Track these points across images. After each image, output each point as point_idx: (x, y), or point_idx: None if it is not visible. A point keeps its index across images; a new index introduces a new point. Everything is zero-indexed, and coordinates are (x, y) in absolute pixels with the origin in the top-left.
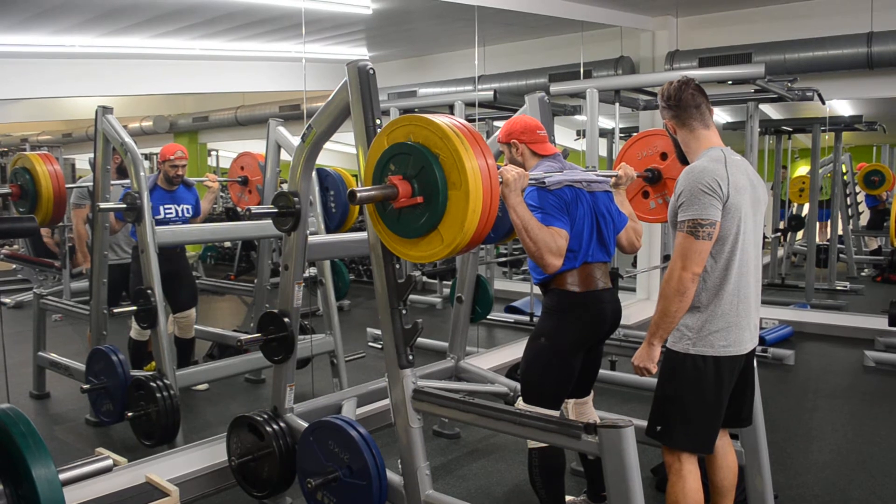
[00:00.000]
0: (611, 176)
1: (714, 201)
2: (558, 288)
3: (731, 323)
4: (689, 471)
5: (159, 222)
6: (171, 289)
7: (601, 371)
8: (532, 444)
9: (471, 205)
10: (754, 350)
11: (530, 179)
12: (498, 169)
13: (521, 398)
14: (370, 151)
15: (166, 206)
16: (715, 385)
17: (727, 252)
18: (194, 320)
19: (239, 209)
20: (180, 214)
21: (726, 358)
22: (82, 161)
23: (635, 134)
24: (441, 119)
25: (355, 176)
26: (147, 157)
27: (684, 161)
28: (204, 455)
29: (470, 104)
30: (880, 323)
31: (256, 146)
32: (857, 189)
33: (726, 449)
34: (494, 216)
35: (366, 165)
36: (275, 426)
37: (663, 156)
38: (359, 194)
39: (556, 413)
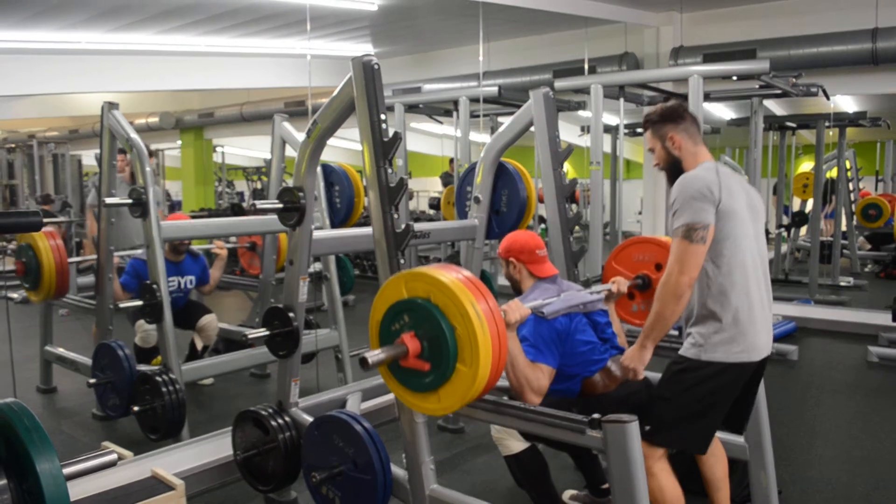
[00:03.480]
0: (604, 290)
1: (706, 205)
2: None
3: (744, 329)
4: (659, 468)
5: None
6: (184, 318)
7: None
8: (505, 452)
9: (476, 384)
10: (768, 358)
11: (529, 307)
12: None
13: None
14: (385, 287)
15: (169, 279)
16: (718, 391)
17: (727, 256)
18: (217, 325)
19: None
20: (182, 287)
21: (736, 364)
22: (89, 157)
23: (633, 237)
24: (466, 295)
25: (360, 171)
26: (152, 153)
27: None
28: (209, 449)
29: (474, 100)
30: (884, 319)
31: (261, 142)
32: (861, 185)
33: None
34: (494, 385)
35: (379, 298)
36: (280, 420)
37: (658, 266)
38: (370, 359)
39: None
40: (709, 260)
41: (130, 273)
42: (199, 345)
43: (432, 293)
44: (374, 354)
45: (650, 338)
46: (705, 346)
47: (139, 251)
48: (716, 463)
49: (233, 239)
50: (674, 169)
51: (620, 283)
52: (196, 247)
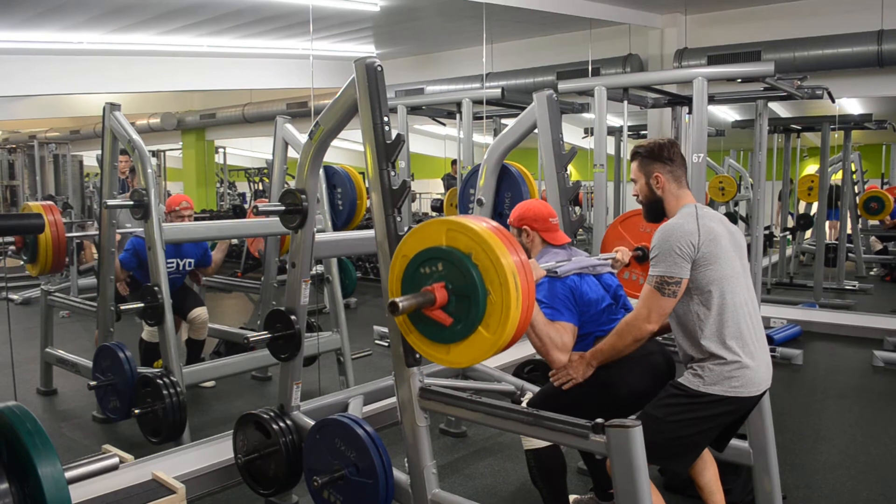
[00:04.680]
0: (609, 258)
1: (682, 262)
2: None
3: (745, 365)
4: None
5: None
6: (176, 303)
7: None
8: (527, 445)
9: (493, 349)
10: (765, 392)
11: (543, 268)
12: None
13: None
14: (422, 227)
15: (168, 261)
16: (710, 419)
17: (717, 298)
18: (207, 319)
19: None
20: (181, 269)
21: (734, 398)
22: (90, 158)
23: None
24: (508, 262)
25: (362, 173)
26: (154, 154)
27: (655, 220)
28: (210, 452)
29: (478, 102)
30: (889, 322)
31: (264, 143)
32: (866, 188)
33: None
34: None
35: (414, 237)
36: (281, 424)
37: None
38: (400, 304)
39: None
40: (699, 304)
41: (130, 250)
42: (184, 336)
43: (475, 251)
44: (402, 300)
45: (598, 359)
46: (705, 378)
47: (139, 229)
48: (704, 468)
49: None
50: (653, 206)
51: (624, 253)
52: None
